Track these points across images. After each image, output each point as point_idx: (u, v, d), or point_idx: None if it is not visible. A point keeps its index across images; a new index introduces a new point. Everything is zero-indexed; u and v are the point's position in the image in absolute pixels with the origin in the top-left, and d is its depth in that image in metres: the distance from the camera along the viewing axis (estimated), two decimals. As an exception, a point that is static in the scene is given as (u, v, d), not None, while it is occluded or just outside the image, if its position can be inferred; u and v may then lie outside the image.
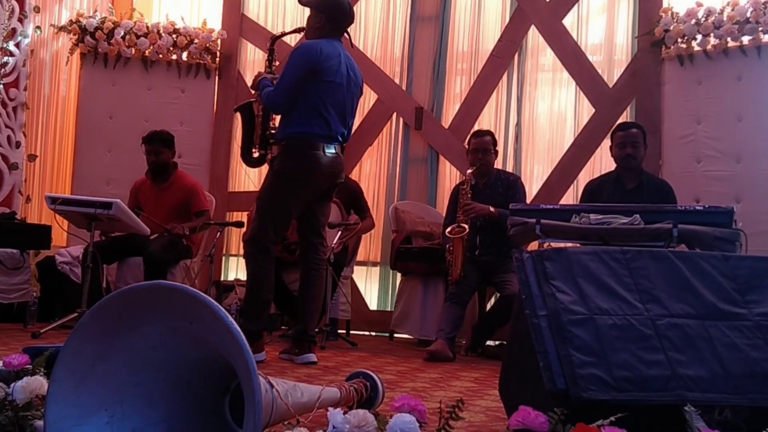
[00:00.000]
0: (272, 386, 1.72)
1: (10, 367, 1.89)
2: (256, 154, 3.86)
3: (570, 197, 5.56)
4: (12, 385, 1.78)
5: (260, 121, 3.83)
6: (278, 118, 3.81)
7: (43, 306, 5.08)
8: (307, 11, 6.15)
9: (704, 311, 1.88)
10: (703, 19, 5.06)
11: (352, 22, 3.83)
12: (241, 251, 5.68)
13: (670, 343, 1.80)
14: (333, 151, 3.69)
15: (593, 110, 5.62)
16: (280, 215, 3.65)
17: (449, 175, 5.96)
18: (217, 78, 6.40)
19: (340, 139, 3.75)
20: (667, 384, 1.72)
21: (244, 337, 1.47)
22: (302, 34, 3.97)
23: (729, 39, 4.98)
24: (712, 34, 5.04)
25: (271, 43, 3.98)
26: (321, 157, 3.62)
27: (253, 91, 3.92)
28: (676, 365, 1.75)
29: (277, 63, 4.16)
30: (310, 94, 3.59)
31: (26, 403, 1.74)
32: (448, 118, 5.99)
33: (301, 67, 3.58)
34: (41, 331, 4.11)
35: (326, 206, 3.89)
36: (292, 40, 5.60)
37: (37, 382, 1.76)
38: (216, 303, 1.52)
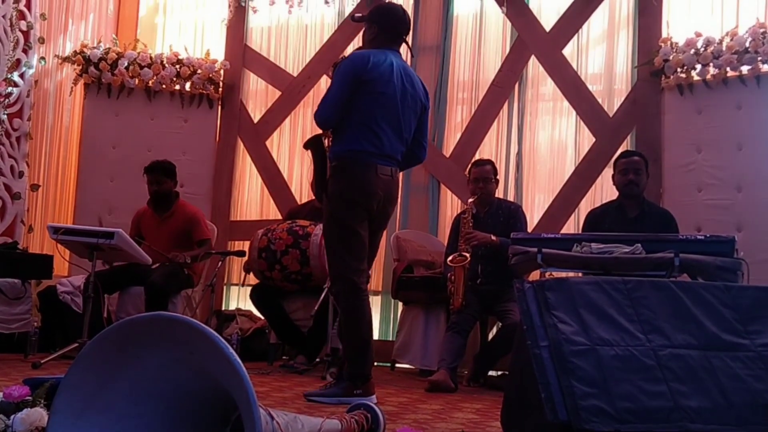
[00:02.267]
0: (273, 418, 1.72)
1: (10, 399, 1.89)
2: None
3: (571, 226, 5.56)
4: (12, 416, 1.78)
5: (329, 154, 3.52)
6: None
7: (43, 336, 5.07)
8: (309, 42, 6.41)
9: (706, 341, 1.88)
10: (702, 49, 5.10)
11: (408, 28, 3.56)
12: (242, 281, 5.70)
13: (672, 374, 1.79)
14: (387, 173, 3.38)
15: (594, 139, 5.64)
16: (353, 240, 3.32)
17: (450, 204, 5.97)
18: (219, 108, 6.45)
19: (398, 158, 3.45)
20: (670, 415, 1.71)
21: (244, 368, 1.47)
22: None
23: (728, 69, 5.01)
24: (711, 64, 5.08)
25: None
26: (371, 175, 3.32)
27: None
28: (678, 396, 1.75)
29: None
30: (359, 107, 3.31)
31: (26, 435, 1.74)
32: (449, 147, 6.01)
33: (347, 76, 3.32)
34: (42, 361, 4.09)
35: (377, 236, 3.55)
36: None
37: (38, 414, 1.76)
38: (217, 334, 1.52)
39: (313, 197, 5.22)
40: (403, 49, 3.64)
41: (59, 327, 5.11)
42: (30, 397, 1.90)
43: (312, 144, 3.64)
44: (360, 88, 3.32)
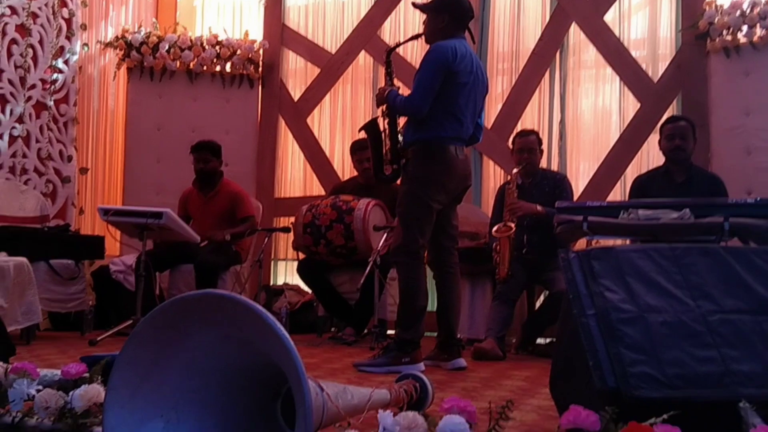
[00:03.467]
0: (322, 390, 1.74)
1: (68, 376, 1.95)
2: (388, 171, 3.73)
3: (617, 193, 5.50)
4: (71, 393, 1.83)
5: (388, 136, 3.72)
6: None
7: (98, 314, 5.22)
8: (347, 18, 6.39)
9: (757, 306, 1.84)
10: (748, 10, 4.97)
11: (473, 16, 3.74)
12: (290, 255, 5.77)
13: (723, 339, 1.77)
14: (462, 153, 3.65)
15: (638, 105, 5.54)
16: (425, 218, 3.55)
17: (493, 175, 5.94)
18: (260, 87, 6.49)
19: (467, 140, 3.71)
20: (721, 380, 1.69)
21: (292, 343, 1.50)
22: (418, 40, 3.90)
23: (775, 29, 4.88)
24: (758, 25, 4.94)
25: (387, 55, 3.86)
26: (455, 159, 3.57)
27: (379, 107, 3.79)
28: (729, 361, 1.72)
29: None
30: (445, 96, 3.51)
31: (85, 410, 1.79)
32: (490, 118, 5.96)
33: (438, 68, 3.49)
34: (98, 338, 4.21)
35: (456, 210, 3.81)
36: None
37: (95, 390, 1.81)
38: (265, 310, 1.54)
39: (356, 174, 5.28)
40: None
41: (113, 305, 5.25)
42: (87, 374, 1.96)
43: (369, 127, 3.83)
44: (447, 79, 3.49)
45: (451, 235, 3.77)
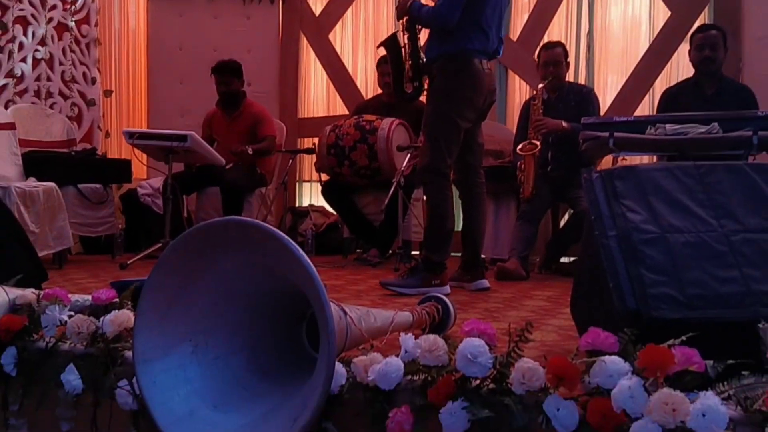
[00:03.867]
0: (345, 313, 1.78)
1: (99, 302, 2.00)
2: (410, 89, 3.61)
3: (646, 106, 5.40)
4: (102, 318, 1.89)
5: (409, 52, 3.57)
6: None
7: (128, 237, 5.32)
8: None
9: (782, 225, 1.83)
10: None
11: None
12: (314, 177, 5.78)
13: (745, 259, 1.76)
14: (488, 67, 3.52)
15: (669, 13, 5.37)
16: (453, 137, 3.45)
17: (518, 91, 5.85)
18: (280, 2, 6.37)
19: (492, 54, 3.58)
20: (742, 300, 1.69)
21: (314, 268, 1.52)
22: None
23: (817, -72, 4.66)
24: (797, -75, 4.72)
25: None
26: (481, 72, 3.45)
27: (400, 19, 3.61)
28: (751, 281, 1.72)
29: None
30: (471, 6, 3.36)
31: (116, 335, 1.85)
32: (516, 30, 5.83)
33: None
34: (128, 262, 4.29)
35: (481, 127, 3.71)
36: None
37: (125, 316, 1.86)
38: (288, 237, 1.56)
39: (380, 92, 5.22)
40: None
41: (142, 228, 5.34)
42: (117, 300, 2.01)
43: (389, 43, 3.69)
44: None
45: (477, 153, 3.69)
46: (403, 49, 3.61)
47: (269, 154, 5.29)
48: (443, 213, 3.47)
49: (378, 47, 3.88)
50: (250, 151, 4.97)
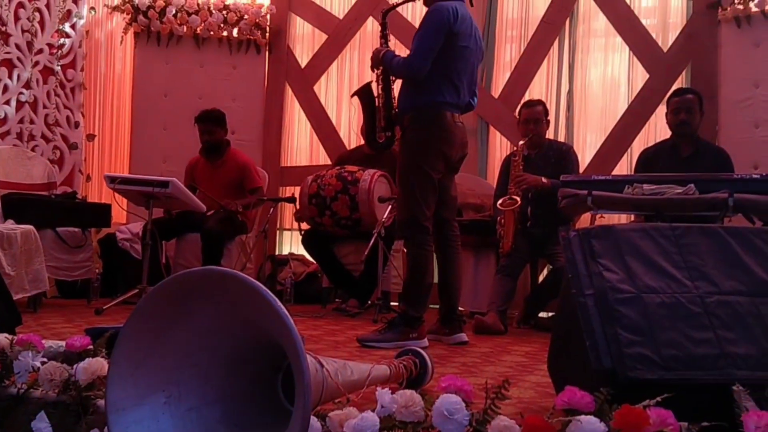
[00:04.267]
0: (322, 366, 1.77)
1: (72, 349, 1.98)
2: (381, 138, 3.61)
3: (624, 166, 5.48)
4: (75, 366, 1.86)
5: (383, 102, 3.59)
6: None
7: (105, 282, 5.27)
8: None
9: (755, 288, 1.85)
10: (761, -22, 4.90)
11: None
12: (295, 225, 5.78)
13: (720, 321, 1.78)
14: (460, 120, 3.54)
15: (647, 76, 5.50)
16: (428, 188, 3.45)
17: (500, 146, 5.93)
18: (267, 53, 6.46)
19: (465, 108, 3.61)
20: (716, 362, 1.71)
21: (292, 321, 1.52)
22: (415, 2, 3.76)
23: (788, -1, 4.82)
24: (770, -6, 4.88)
25: (384, 16, 3.69)
26: (453, 125, 3.46)
27: (374, 70, 3.63)
28: (725, 343, 1.73)
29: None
30: (443, 60, 3.39)
31: (89, 383, 1.83)
32: (498, 87, 5.93)
33: (440, 28, 3.36)
34: (104, 307, 4.25)
35: (454, 180, 3.72)
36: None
37: (99, 364, 1.84)
38: (265, 288, 1.56)
39: (362, 143, 5.26)
40: None
41: (120, 273, 5.30)
42: (91, 347, 1.99)
43: (362, 92, 3.69)
44: (447, 41, 3.39)
45: (451, 206, 3.68)
46: (376, 99, 3.63)
47: (258, 206, 5.31)
48: (423, 268, 3.45)
49: (352, 96, 3.87)
50: (240, 209, 4.99)
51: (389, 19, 3.69)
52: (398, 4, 3.80)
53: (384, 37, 3.65)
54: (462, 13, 3.43)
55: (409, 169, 3.48)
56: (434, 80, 3.41)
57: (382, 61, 3.54)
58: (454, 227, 3.68)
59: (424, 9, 3.57)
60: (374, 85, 3.64)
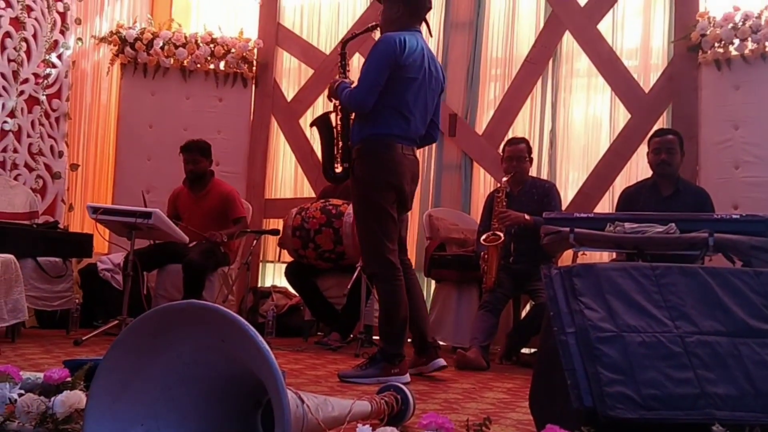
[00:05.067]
0: (303, 401, 1.76)
1: (50, 381, 1.96)
2: (339, 169, 3.60)
3: (606, 204, 5.52)
4: (52, 399, 1.84)
5: (340, 133, 3.58)
6: None
7: (85, 312, 5.20)
8: (342, 18, 6.40)
9: (734, 328, 1.87)
10: (741, 23, 4.99)
11: (430, 8, 3.57)
12: (277, 258, 5.77)
13: (700, 361, 1.79)
14: (411, 153, 3.47)
15: (629, 116, 5.57)
16: (386, 220, 3.38)
17: (483, 182, 5.96)
18: (253, 86, 6.49)
19: (417, 141, 3.54)
20: (696, 402, 1.72)
21: (273, 356, 1.51)
22: (374, 32, 3.74)
23: (767, 43, 4.91)
24: (749, 39, 4.97)
25: (342, 47, 3.71)
26: (401, 157, 3.40)
27: (332, 100, 3.63)
28: (705, 383, 1.75)
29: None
30: (392, 92, 3.34)
31: (66, 416, 1.80)
32: (482, 124, 5.99)
33: (384, 60, 3.31)
34: (83, 338, 4.20)
35: (405, 220, 3.70)
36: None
37: (77, 397, 1.82)
38: (246, 322, 1.56)
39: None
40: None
41: (100, 304, 5.25)
42: (69, 380, 1.97)
43: (321, 122, 3.67)
44: (394, 72, 3.34)
45: (400, 239, 3.61)
46: (334, 130, 3.61)
47: (242, 237, 5.29)
48: (396, 303, 3.40)
49: (310, 126, 3.83)
50: (225, 239, 4.98)
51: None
52: (358, 34, 3.78)
53: (342, 67, 3.66)
54: (411, 45, 3.37)
55: (363, 204, 3.44)
56: (383, 112, 3.36)
57: (336, 92, 3.51)
58: (406, 258, 3.66)
59: None
60: (333, 116, 3.64)
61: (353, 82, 3.50)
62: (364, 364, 3.42)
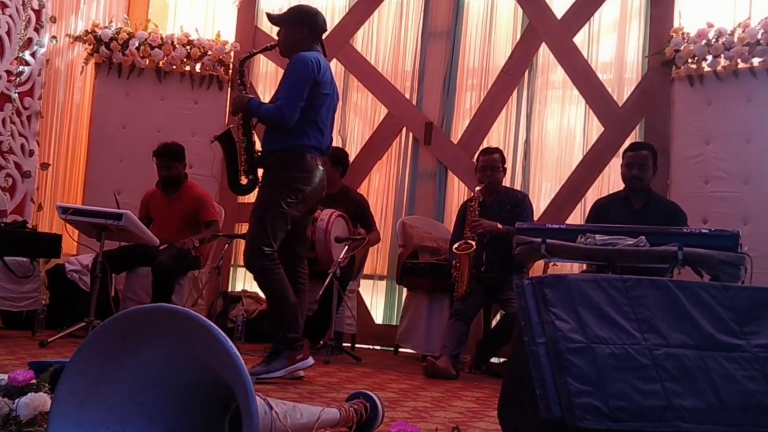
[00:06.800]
0: (271, 408, 1.75)
1: (15, 383, 1.92)
2: (244, 181, 3.78)
3: (578, 215, 5.57)
4: (16, 400, 1.81)
5: (244, 147, 3.76)
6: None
7: (51, 313, 5.12)
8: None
9: (702, 342, 1.89)
10: (714, 40, 5.07)
11: (326, 29, 3.86)
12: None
13: (667, 374, 1.81)
14: (322, 163, 3.70)
15: (602, 129, 5.63)
16: (279, 224, 3.54)
17: (457, 191, 5.98)
18: (229, 90, 6.44)
19: (326, 151, 3.78)
20: (663, 415, 1.73)
21: (242, 361, 1.50)
22: (272, 51, 3.92)
23: (739, 60, 4.99)
24: (722, 55, 5.05)
25: (241, 64, 3.93)
26: (315, 167, 3.62)
27: (237, 116, 3.80)
28: (672, 396, 1.76)
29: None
30: (309, 106, 3.57)
31: (30, 419, 1.77)
32: (457, 133, 6.01)
33: (306, 79, 3.54)
34: (49, 340, 4.14)
35: (308, 219, 3.89)
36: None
37: (41, 399, 1.79)
38: (216, 326, 1.54)
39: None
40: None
41: (67, 305, 5.17)
42: (34, 381, 1.94)
43: (223, 138, 3.83)
44: (312, 89, 3.57)
45: (304, 244, 3.85)
46: (237, 144, 3.76)
47: (213, 241, 5.25)
48: (282, 290, 3.53)
49: (212, 142, 3.95)
50: (196, 244, 4.94)
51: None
52: (256, 53, 4.16)
53: (242, 84, 3.87)
54: (323, 63, 3.64)
55: (266, 203, 3.58)
56: (301, 125, 3.57)
57: (248, 107, 3.68)
58: (304, 264, 3.82)
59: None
60: (234, 130, 3.79)
61: (257, 97, 3.73)
62: (267, 359, 3.51)
